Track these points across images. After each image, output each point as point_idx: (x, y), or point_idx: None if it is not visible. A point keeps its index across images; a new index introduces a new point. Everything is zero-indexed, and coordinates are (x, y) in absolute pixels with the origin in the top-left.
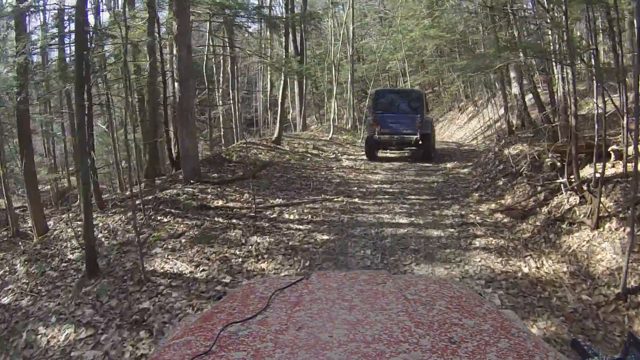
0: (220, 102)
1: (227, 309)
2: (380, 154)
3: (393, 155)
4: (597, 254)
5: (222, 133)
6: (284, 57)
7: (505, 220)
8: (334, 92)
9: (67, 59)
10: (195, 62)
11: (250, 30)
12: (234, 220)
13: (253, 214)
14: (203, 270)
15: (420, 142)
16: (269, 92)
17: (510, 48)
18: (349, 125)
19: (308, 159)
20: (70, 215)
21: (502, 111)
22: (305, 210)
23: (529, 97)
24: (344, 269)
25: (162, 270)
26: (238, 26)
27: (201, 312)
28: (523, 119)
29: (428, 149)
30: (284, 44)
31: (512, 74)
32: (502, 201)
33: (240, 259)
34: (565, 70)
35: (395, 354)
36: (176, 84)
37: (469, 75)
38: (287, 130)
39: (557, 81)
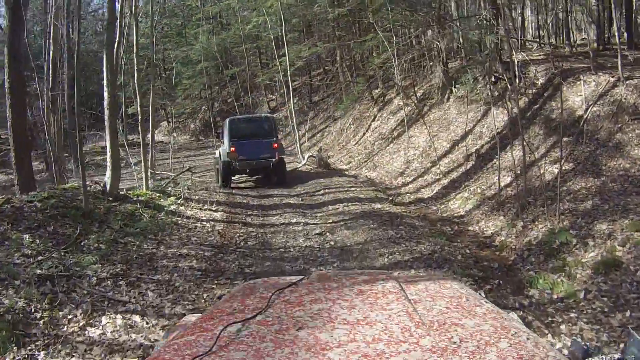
0: None
1: (227, 309)
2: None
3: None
4: None
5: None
6: None
7: None
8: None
9: None
10: None
11: None
12: None
13: None
14: None
15: (276, 166)
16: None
17: None
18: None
19: None
20: None
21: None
22: None
23: None
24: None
25: None
26: None
27: (201, 312)
28: None
29: (283, 173)
30: None
31: None
32: None
33: None
34: None
35: (395, 354)
36: None
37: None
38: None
39: None
